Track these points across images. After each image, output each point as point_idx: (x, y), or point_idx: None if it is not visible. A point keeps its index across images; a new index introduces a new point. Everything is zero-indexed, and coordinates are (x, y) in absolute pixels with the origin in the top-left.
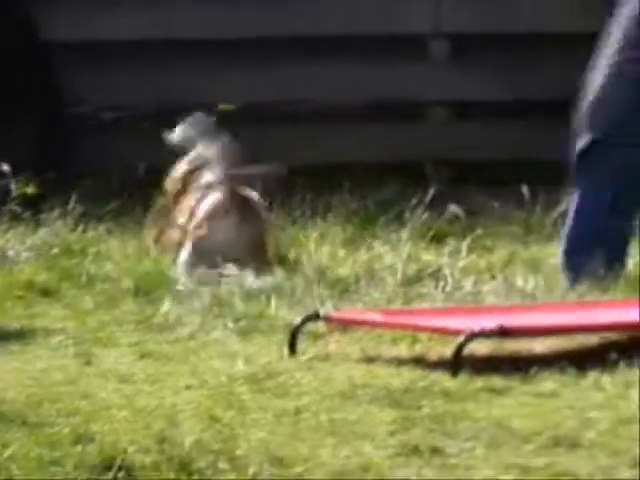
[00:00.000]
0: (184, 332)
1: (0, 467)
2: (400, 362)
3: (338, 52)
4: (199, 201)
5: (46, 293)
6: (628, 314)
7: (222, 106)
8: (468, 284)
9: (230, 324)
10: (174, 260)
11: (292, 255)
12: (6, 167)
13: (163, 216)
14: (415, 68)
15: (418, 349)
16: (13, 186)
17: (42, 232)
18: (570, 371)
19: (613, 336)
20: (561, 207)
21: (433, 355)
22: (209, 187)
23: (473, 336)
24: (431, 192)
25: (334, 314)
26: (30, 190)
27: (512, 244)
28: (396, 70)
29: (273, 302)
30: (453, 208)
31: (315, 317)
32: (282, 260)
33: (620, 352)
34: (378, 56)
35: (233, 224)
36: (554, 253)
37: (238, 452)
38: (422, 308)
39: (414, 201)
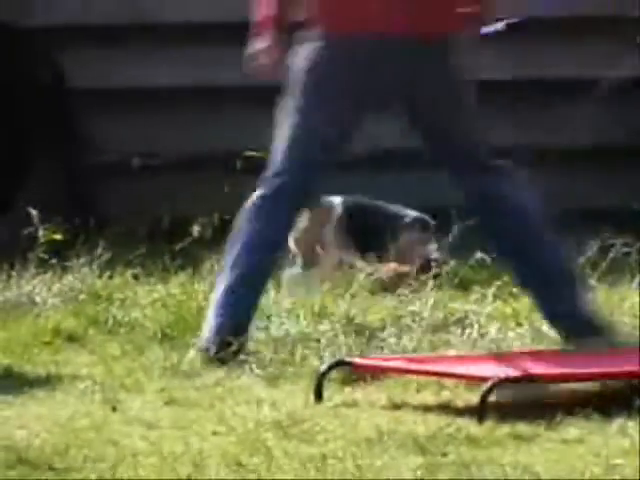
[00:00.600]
0: (210, 379)
1: None
2: (426, 409)
3: None
4: None
5: (73, 339)
6: None
7: (249, 154)
8: (494, 331)
9: (256, 371)
10: None
11: (318, 302)
12: (34, 212)
13: None
14: None
15: (444, 396)
16: (40, 233)
17: (69, 278)
18: (595, 417)
19: (638, 382)
20: (587, 253)
21: (459, 402)
22: None
23: (499, 383)
24: (456, 238)
25: (360, 361)
26: (57, 237)
27: None
28: None
29: (299, 349)
30: (479, 254)
31: (341, 364)
32: (309, 307)
33: None
34: None
35: None
36: None
37: None
38: (448, 355)
39: (439, 247)
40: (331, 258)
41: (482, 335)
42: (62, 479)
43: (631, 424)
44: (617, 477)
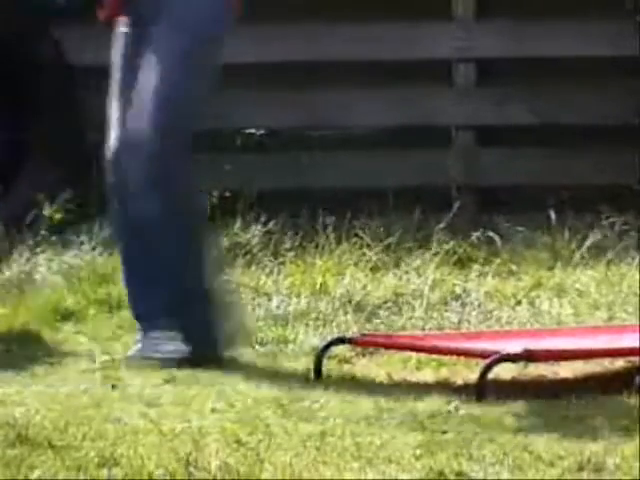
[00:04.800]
0: (210, 356)
1: None
2: (426, 386)
3: (363, 78)
4: None
5: (73, 317)
6: None
7: (248, 131)
8: (493, 308)
9: (256, 348)
10: None
11: (318, 280)
12: (36, 191)
13: None
14: (441, 93)
15: (443, 373)
16: (41, 211)
17: (69, 256)
18: (595, 396)
19: (638, 360)
20: (588, 232)
21: (458, 379)
22: None
23: (498, 360)
24: (456, 217)
25: (360, 338)
26: (57, 214)
27: (538, 269)
28: (421, 95)
29: (299, 326)
30: (479, 232)
31: (341, 341)
32: (309, 285)
33: None
34: (403, 81)
35: None
36: (580, 278)
37: (264, 476)
38: (447, 332)
39: (440, 226)
40: None
41: (482, 313)
42: (62, 457)
43: (631, 402)
44: (616, 456)
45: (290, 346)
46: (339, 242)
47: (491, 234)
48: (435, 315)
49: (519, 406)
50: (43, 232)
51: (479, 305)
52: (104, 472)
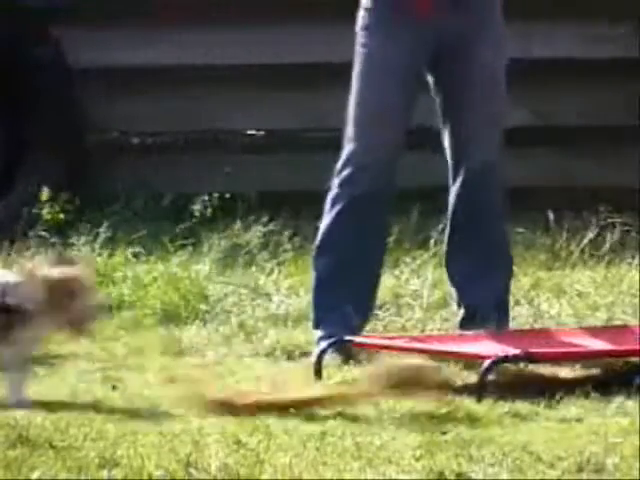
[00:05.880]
0: (210, 357)
1: None
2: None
3: None
4: None
5: None
6: None
7: (249, 133)
8: None
9: (257, 348)
10: None
11: None
12: (36, 192)
13: None
14: None
15: (443, 374)
16: (42, 211)
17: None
18: (595, 396)
19: (638, 361)
20: (587, 233)
21: (458, 380)
22: None
23: (498, 361)
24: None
25: (360, 339)
26: (58, 216)
27: (537, 270)
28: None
29: (299, 326)
30: None
31: (341, 342)
32: (309, 285)
33: None
34: None
35: None
36: (580, 279)
37: (264, 477)
38: (447, 333)
39: (439, 227)
40: None
41: None
42: (62, 457)
43: (630, 403)
44: (616, 456)
45: (290, 347)
46: None
47: None
48: (434, 316)
49: (519, 407)
50: (42, 233)
51: None
52: (104, 473)
